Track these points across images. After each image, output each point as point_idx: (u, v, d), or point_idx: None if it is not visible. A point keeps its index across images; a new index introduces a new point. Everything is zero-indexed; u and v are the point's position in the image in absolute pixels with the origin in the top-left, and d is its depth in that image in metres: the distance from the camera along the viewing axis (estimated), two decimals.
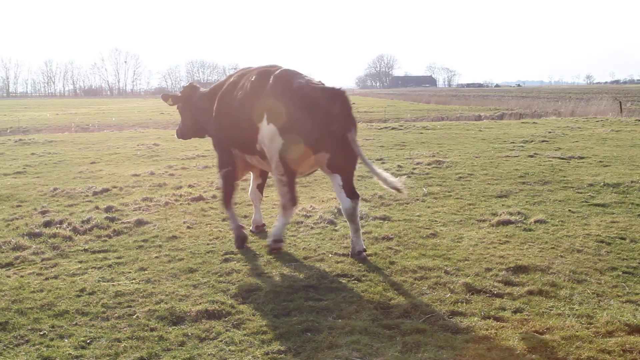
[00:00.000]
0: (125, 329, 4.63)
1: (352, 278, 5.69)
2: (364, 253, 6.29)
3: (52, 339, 4.46)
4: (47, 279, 5.78)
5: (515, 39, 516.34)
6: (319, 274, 5.81)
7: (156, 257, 6.46)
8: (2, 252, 6.62)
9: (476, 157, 13.52)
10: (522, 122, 24.77)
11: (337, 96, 6.10)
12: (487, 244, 6.63)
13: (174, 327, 4.65)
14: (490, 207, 8.44)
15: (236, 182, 7.29)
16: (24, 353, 4.26)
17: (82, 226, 7.59)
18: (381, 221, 7.70)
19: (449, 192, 9.60)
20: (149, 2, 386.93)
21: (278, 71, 6.45)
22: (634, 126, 20.81)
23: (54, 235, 7.18)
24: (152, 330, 4.59)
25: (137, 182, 11.19)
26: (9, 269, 6.10)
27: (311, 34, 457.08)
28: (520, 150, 14.64)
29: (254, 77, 6.57)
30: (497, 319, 4.68)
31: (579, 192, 9.25)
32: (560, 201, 8.69)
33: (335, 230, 7.33)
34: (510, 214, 7.80)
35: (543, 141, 16.54)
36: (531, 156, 13.40)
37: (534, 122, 24.32)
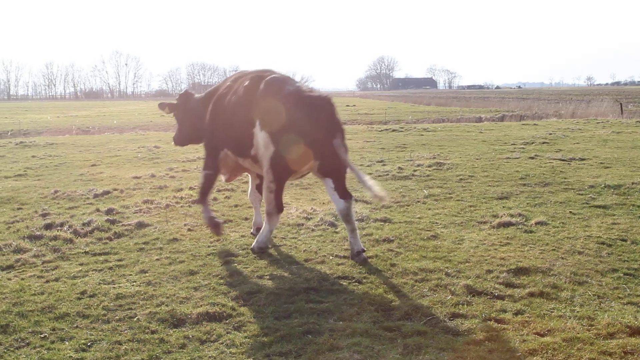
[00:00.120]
0: (126, 331, 4.62)
1: (353, 280, 5.69)
2: (364, 254, 6.30)
3: (52, 342, 4.46)
4: (47, 281, 5.78)
5: (516, 41, 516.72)
6: (320, 276, 5.81)
7: (157, 259, 6.46)
8: (3, 255, 6.62)
9: (477, 159, 13.52)
10: (523, 124, 24.76)
11: (324, 103, 6.30)
12: (488, 246, 6.63)
13: (174, 330, 4.65)
14: (491, 208, 8.43)
15: (215, 183, 7.48)
16: (24, 356, 4.26)
17: (82, 229, 7.59)
18: (382, 223, 7.70)
19: (449, 194, 9.60)
20: (150, 5, 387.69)
21: (269, 77, 6.57)
22: (634, 128, 20.81)
23: (55, 238, 7.18)
24: (153, 332, 4.59)
25: (138, 184, 11.20)
26: (10, 272, 6.10)
27: (312, 36, 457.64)
28: (521, 151, 14.64)
29: (246, 83, 6.71)
30: (498, 321, 4.67)
31: (579, 194, 9.25)
32: (561, 203, 8.68)
33: (336, 233, 7.33)
34: (511, 215, 7.80)
35: (544, 143, 16.53)
36: (532, 158, 13.39)
37: (534, 124, 24.32)
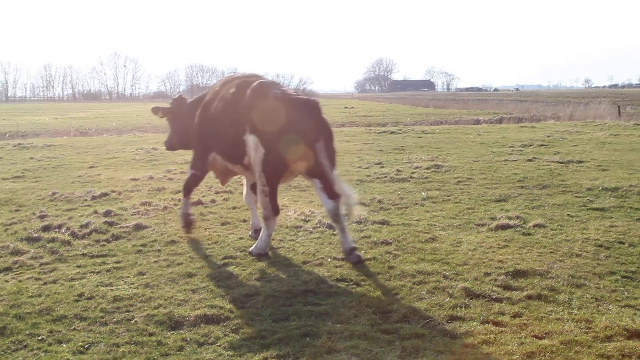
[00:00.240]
0: (123, 333, 4.62)
1: (351, 282, 5.68)
2: (356, 251, 6.34)
3: (50, 344, 4.45)
4: (45, 283, 5.77)
5: (514, 43, 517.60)
6: (318, 278, 5.81)
7: (155, 261, 6.45)
8: (1, 257, 6.61)
9: (475, 161, 13.53)
10: (521, 126, 24.79)
11: (311, 106, 6.44)
12: (486, 248, 6.63)
13: (172, 332, 4.64)
14: (489, 211, 8.44)
15: (198, 183, 7.75)
16: (22, 358, 4.25)
17: (80, 231, 7.58)
18: (380, 225, 7.70)
19: (447, 196, 9.60)
20: (148, 6, 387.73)
21: (255, 83, 6.69)
22: (632, 130, 20.83)
23: (53, 240, 7.17)
24: (150, 335, 4.59)
25: (136, 186, 11.19)
26: (7, 274, 6.09)
27: (310, 38, 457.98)
28: (519, 154, 14.65)
29: (233, 89, 6.88)
30: (496, 323, 4.67)
31: (577, 196, 9.26)
32: (559, 205, 8.69)
33: (334, 235, 7.32)
34: (509, 218, 7.81)
35: (542, 145, 16.55)
36: (530, 160, 13.40)
37: (532, 126, 24.35)
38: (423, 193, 9.83)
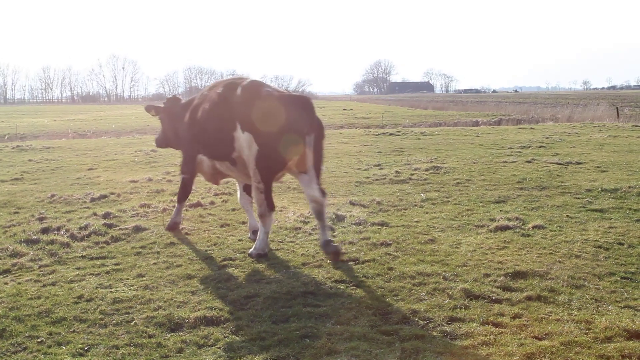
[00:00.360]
0: (123, 335, 4.61)
1: (351, 284, 5.68)
2: (333, 243, 6.52)
3: (49, 346, 4.44)
4: (44, 285, 5.76)
5: (513, 45, 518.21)
6: (317, 280, 5.80)
7: (154, 263, 6.44)
8: (0, 259, 6.60)
9: (474, 163, 13.54)
10: (520, 128, 24.81)
11: (303, 102, 6.59)
12: (486, 250, 6.63)
13: (172, 334, 4.64)
14: (488, 212, 8.44)
15: (191, 187, 8.02)
16: None
17: (79, 233, 7.58)
18: (379, 227, 7.69)
19: (447, 197, 9.60)
20: (147, 9, 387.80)
21: (246, 82, 6.87)
22: (630, 132, 20.86)
23: (52, 242, 7.16)
24: (150, 337, 4.58)
25: (135, 188, 11.18)
26: (6, 276, 6.08)
27: (309, 40, 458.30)
28: (517, 155, 14.66)
29: (220, 89, 7.05)
30: (495, 324, 4.67)
31: (576, 198, 9.26)
32: (558, 206, 8.70)
33: (334, 236, 7.31)
34: (509, 219, 7.81)
35: (540, 147, 16.57)
36: (529, 162, 13.41)
37: (531, 128, 24.38)
38: (422, 194, 9.83)
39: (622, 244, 6.70)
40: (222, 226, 8.09)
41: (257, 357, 4.23)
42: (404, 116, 39.56)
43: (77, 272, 6.15)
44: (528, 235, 7.17)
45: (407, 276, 5.82)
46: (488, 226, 7.61)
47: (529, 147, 16.57)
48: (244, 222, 8.16)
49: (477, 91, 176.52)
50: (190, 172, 7.74)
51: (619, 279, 5.64)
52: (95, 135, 28.37)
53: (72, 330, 4.73)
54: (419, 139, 20.53)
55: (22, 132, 29.85)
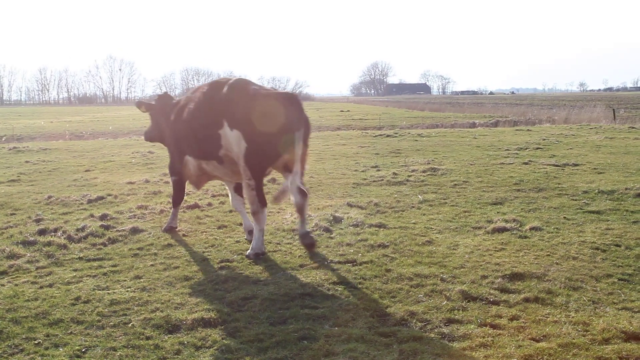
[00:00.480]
0: (120, 337, 4.60)
1: (349, 286, 5.68)
2: (311, 235, 6.82)
3: (47, 348, 4.43)
4: (41, 287, 5.74)
5: (509, 47, 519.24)
6: (315, 281, 5.80)
7: (151, 265, 6.43)
8: None
9: (471, 165, 13.55)
10: (517, 130, 24.85)
11: (291, 99, 6.65)
12: (483, 251, 6.64)
13: (169, 336, 4.63)
14: (486, 214, 8.45)
15: (185, 188, 8.14)
16: None
17: (76, 234, 7.56)
18: (377, 228, 7.69)
19: (444, 199, 9.61)
20: (144, 10, 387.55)
21: (232, 80, 6.95)
22: (627, 133, 20.92)
23: (49, 244, 7.14)
24: (147, 338, 4.57)
25: (132, 189, 11.16)
26: (3, 278, 6.07)
27: (306, 42, 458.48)
28: (514, 157, 14.69)
29: (206, 89, 7.15)
30: (493, 326, 4.68)
31: (573, 199, 9.28)
32: (555, 208, 8.71)
33: (331, 238, 7.32)
34: (506, 221, 7.82)
35: (537, 148, 16.60)
36: (526, 163, 13.44)
37: (528, 130, 24.41)
38: (419, 196, 9.84)
39: (619, 246, 6.71)
40: (219, 228, 8.09)
41: (254, 359, 4.22)
42: (401, 118, 39.60)
43: (75, 274, 6.14)
44: (525, 237, 7.18)
45: (404, 278, 5.82)
46: (485, 228, 7.62)
47: (526, 148, 16.60)
48: (241, 224, 8.14)
49: (474, 93, 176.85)
50: (178, 173, 7.85)
51: (616, 280, 5.65)
52: (92, 136, 28.33)
53: (69, 332, 4.72)
54: (416, 140, 20.55)
55: (18, 133, 29.79)
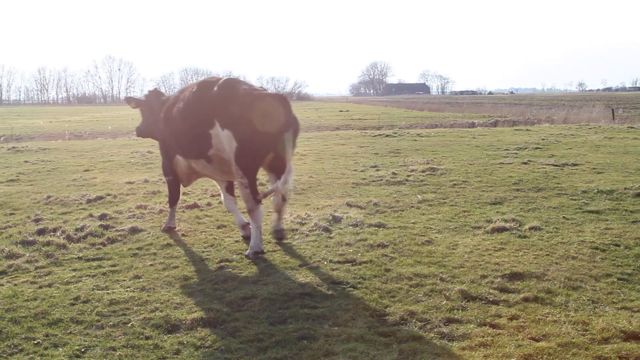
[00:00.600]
0: (120, 337, 4.60)
1: (348, 285, 5.68)
2: (284, 231, 7.24)
3: (46, 348, 4.43)
4: (41, 287, 5.74)
5: (509, 46, 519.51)
6: (315, 281, 5.80)
7: (151, 264, 6.43)
8: None
9: (470, 164, 13.56)
10: (516, 129, 24.86)
11: (280, 100, 6.69)
12: (482, 251, 6.64)
13: (169, 336, 4.63)
14: (485, 214, 8.45)
15: (180, 186, 8.13)
16: None
17: (76, 234, 7.56)
18: (376, 228, 7.69)
19: (443, 199, 9.61)
20: (143, 10, 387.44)
21: (222, 80, 6.98)
22: (626, 133, 20.93)
23: (48, 243, 7.14)
24: (147, 338, 4.57)
25: (131, 189, 11.16)
26: (3, 278, 6.06)
27: (305, 42, 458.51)
28: (514, 157, 14.69)
29: (195, 88, 7.18)
30: (493, 325, 4.68)
31: (573, 199, 9.28)
32: (554, 208, 8.71)
33: (330, 238, 7.32)
34: (505, 220, 7.82)
35: (537, 148, 16.60)
36: (525, 163, 13.44)
37: (527, 129, 24.42)
38: (419, 196, 9.84)
39: (619, 246, 6.72)
40: (218, 227, 8.09)
41: (254, 358, 4.22)
42: (401, 118, 39.59)
43: (74, 274, 6.13)
44: (525, 237, 7.18)
45: (404, 277, 5.82)
46: (485, 227, 7.62)
47: (525, 148, 16.60)
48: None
49: (473, 93, 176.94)
50: (171, 172, 7.90)
51: (615, 280, 5.66)
52: (91, 136, 28.31)
53: (68, 331, 4.71)
54: (416, 140, 20.55)
55: (17, 133, 29.76)
